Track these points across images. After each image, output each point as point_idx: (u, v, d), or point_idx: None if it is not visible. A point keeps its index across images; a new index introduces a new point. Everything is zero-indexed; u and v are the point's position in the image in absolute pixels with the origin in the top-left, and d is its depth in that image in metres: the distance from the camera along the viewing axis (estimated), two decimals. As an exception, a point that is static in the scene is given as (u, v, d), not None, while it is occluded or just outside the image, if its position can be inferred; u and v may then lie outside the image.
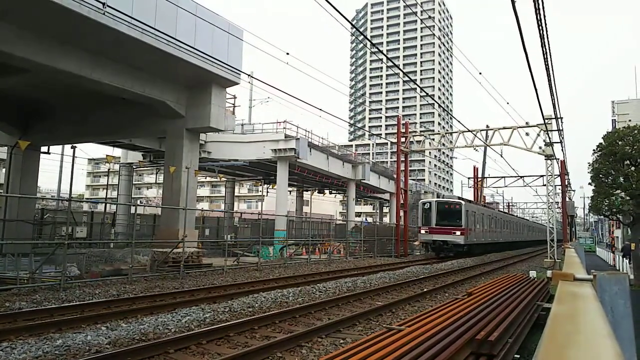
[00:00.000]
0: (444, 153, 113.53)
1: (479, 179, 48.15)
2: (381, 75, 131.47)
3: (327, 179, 36.75)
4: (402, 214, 31.97)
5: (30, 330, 7.58)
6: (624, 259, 26.23)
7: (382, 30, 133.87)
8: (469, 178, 50.00)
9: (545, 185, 31.68)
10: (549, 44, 11.70)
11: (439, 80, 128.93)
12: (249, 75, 17.34)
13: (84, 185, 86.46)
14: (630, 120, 37.26)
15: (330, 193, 49.89)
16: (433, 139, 34.92)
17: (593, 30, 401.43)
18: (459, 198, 30.23)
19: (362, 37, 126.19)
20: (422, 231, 29.22)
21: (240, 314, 9.18)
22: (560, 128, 25.61)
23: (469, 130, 28.51)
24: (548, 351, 1.13)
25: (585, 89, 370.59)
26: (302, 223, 38.71)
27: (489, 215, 35.48)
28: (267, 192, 37.75)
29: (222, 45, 17.86)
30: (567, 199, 46.47)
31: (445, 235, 27.88)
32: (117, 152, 34.59)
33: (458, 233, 27.62)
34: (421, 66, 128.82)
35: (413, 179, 70.52)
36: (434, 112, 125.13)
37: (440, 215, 28.57)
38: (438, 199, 31.18)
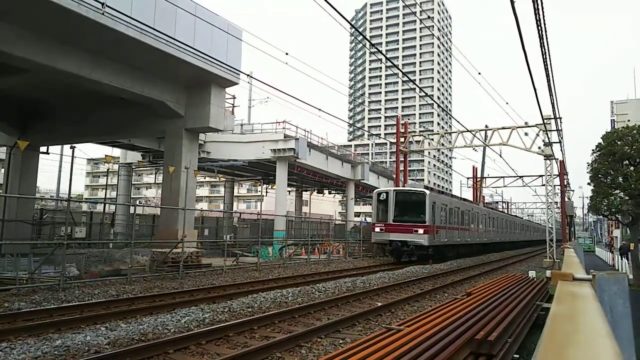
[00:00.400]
0: (443, 153, 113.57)
1: (478, 179, 48.18)
2: (380, 76, 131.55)
3: (327, 179, 36.75)
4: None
5: (29, 331, 7.58)
6: (622, 258, 26.32)
7: (382, 30, 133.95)
8: (468, 178, 50.10)
9: (544, 185, 31.71)
10: (548, 44, 11.72)
11: (438, 81, 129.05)
12: (248, 75, 17.33)
13: (83, 186, 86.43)
14: (629, 120, 37.29)
15: (330, 193, 49.91)
16: (432, 139, 34.96)
17: (593, 31, 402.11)
18: (426, 188, 24.51)
19: (361, 37, 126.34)
20: (377, 229, 23.31)
21: (239, 314, 9.18)
22: (560, 128, 25.65)
23: (468, 130, 28.52)
24: (547, 351, 1.13)
25: (585, 89, 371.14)
26: (301, 223, 38.71)
27: (468, 211, 29.70)
28: (267, 192, 37.75)
29: (222, 45, 17.87)
30: (566, 199, 46.51)
31: (405, 234, 22.13)
32: (116, 152, 34.59)
33: (421, 231, 21.82)
34: (420, 66, 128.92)
35: (412, 179, 70.55)
36: (433, 112, 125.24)
37: (400, 208, 22.92)
38: (397, 188, 25.19)
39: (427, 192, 22.96)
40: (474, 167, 48.18)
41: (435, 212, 23.05)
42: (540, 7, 9.40)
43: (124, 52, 15.95)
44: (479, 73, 19.90)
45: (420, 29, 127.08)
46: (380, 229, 23.05)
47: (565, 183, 43.66)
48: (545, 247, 27.00)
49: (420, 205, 22.37)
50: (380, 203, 23.63)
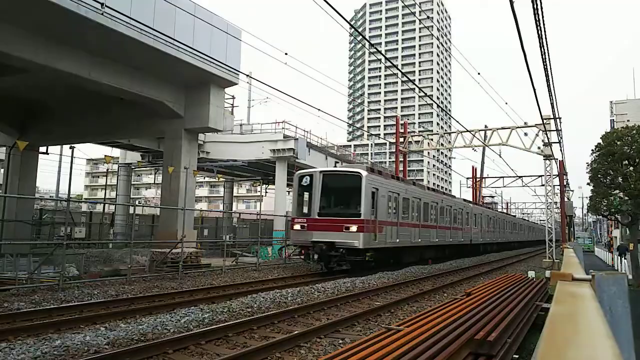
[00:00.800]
0: (442, 153, 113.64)
1: (478, 179, 48.18)
2: (380, 76, 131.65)
3: (326, 179, 36.63)
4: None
5: (28, 331, 7.58)
6: (620, 257, 26.45)
7: (381, 30, 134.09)
8: (467, 178, 50.08)
9: (543, 185, 31.71)
10: (547, 44, 11.73)
11: (438, 81, 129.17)
12: (247, 75, 17.36)
13: (82, 186, 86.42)
14: (628, 120, 37.33)
15: (329, 193, 49.71)
16: (432, 139, 34.95)
17: (593, 31, 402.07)
18: (371, 170, 18.19)
19: (360, 37, 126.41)
20: (297, 226, 17.12)
21: (239, 314, 9.17)
22: (559, 128, 25.66)
23: (467, 131, 28.50)
24: (547, 351, 1.13)
25: (585, 89, 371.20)
26: (300, 223, 38.58)
27: (436, 204, 23.76)
28: (266, 192, 37.74)
29: (221, 45, 17.88)
30: (566, 199, 46.51)
31: (332, 232, 16.19)
32: (116, 152, 34.59)
33: (353, 229, 15.97)
34: (420, 66, 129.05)
35: (411, 179, 70.51)
36: (432, 112, 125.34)
37: (328, 197, 17.19)
38: (325, 169, 18.76)
39: (364, 173, 16.64)
40: (473, 167, 48.22)
41: (379, 202, 17.16)
42: (539, 7, 9.41)
43: (123, 52, 15.95)
44: (479, 73, 19.90)
45: (420, 29, 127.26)
46: (302, 226, 16.92)
47: (565, 183, 43.65)
48: (542, 248, 26.94)
49: (354, 192, 16.47)
50: (302, 190, 17.58)
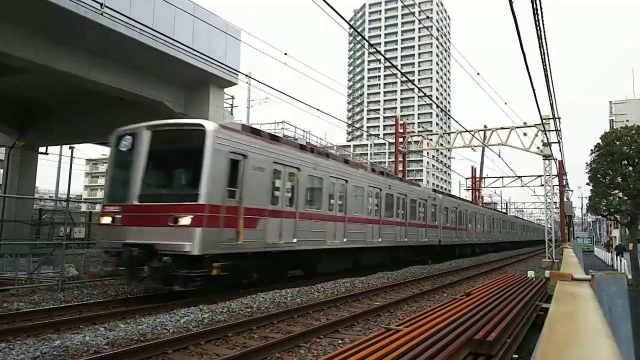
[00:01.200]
0: (442, 153, 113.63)
1: (477, 179, 48.22)
2: (379, 76, 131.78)
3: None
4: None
5: (28, 331, 7.57)
6: (618, 257, 26.57)
7: (380, 30, 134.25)
8: (467, 178, 50.14)
9: (543, 185, 31.73)
10: (546, 44, 11.74)
11: (437, 81, 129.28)
12: (246, 75, 17.35)
13: (82, 186, 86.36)
14: (628, 121, 37.32)
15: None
16: (431, 139, 34.94)
17: (593, 30, 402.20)
18: (252, 130, 12.56)
19: (360, 37, 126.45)
20: (105, 218, 10.68)
21: (238, 315, 9.17)
22: (558, 128, 25.67)
23: (467, 131, 28.50)
24: (546, 351, 1.13)
25: (584, 89, 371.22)
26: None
27: (379, 190, 17.76)
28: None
29: (220, 45, 17.87)
30: (565, 199, 46.51)
31: (153, 227, 9.91)
32: (115, 152, 34.54)
33: (186, 220, 9.63)
34: (419, 66, 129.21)
35: (411, 179, 70.44)
36: (432, 112, 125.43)
37: (158, 169, 11.40)
38: (156, 123, 11.03)
39: (211, 127, 10.30)
40: (472, 167, 48.27)
41: (248, 178, 11.01)
42: (539, 7, 9.41)
43: (123, 52, 15.93)
44: (478, 73, 19.89)
45: (419, 29, 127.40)
46: (113, 219, 10.52)
47: (564, 183, 43.66)
48: (540, 249, 26.97)
49: (192, 158, 10.47)
50: (123, 159, 11.57)
